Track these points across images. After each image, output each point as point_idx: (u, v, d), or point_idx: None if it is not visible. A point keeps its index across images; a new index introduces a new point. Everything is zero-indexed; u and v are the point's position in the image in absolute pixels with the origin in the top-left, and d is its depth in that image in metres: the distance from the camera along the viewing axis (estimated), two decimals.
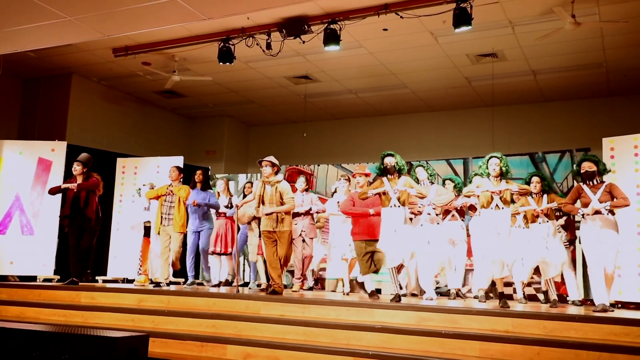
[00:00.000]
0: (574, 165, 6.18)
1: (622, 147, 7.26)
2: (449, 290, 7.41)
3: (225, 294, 6.38)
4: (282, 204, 6.62)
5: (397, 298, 6.00)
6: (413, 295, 7.46)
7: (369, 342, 5.04)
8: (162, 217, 7.65)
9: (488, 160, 6.02)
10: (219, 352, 5.30)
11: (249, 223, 8.02)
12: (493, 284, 6.47)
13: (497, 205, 5.89)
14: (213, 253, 8.19)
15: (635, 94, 10.29)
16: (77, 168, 7.52)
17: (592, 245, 5.77)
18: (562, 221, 7.34)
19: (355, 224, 6.76)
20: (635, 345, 4.45)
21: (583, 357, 4.41)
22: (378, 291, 7.03)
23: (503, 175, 5.97)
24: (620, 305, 7.02)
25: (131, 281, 8.78)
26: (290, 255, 6.86)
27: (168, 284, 7.65)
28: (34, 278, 8.58)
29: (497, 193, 5.86)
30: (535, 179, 6.54)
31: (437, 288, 7.76)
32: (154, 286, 7.55)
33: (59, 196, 8.68)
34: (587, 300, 7.81)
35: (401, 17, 7.35)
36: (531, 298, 7.97)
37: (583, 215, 5.85)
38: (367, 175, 6.88)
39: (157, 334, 5.51)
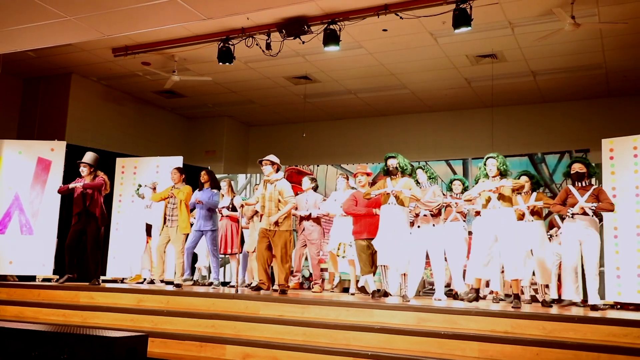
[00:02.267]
0: (566, 167, 6.28)
1: (621, 148, 7.26)
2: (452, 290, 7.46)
3: (225, 294, 6.37)
4: (280, 202, 6.65)
5: (382, 294, 6.13)
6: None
7: (368, 343, 5.04)
8: (165, 218, 7.59)
9: (485, 161, 6.06)
10: (218, 352, 5.30)
11: (250, 218, 8.00)
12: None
13: (494, 205, 5.86)
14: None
15: (634, 95, 10.30)
16: (84, 170, 7.48)
17: (571, 244, 6.00)
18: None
19: (356, 223, 6.82)
20: (634, 346, 4.45)
21: (582, 358, 4.41)
22: (378, 291, 7.10)
23: (502, 174, 5.96)
24: (619, 306, 7.02)
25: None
26: (287, 256, 6.73)
27: (162, 281, 7.67)
28: (33, 278, 8.57)
29: (493, 191, 5.85)
30: (523, 178, 6.58)
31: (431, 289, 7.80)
32: (148, 283, 7.55)
33: (58, 196, 8.69)
34: (585, 301, 7.82)
35: (401, 17, 7.35)
36: (533, 299, 7.98)
37: (572, 215, 6.01)
38: (368, 174, 6.97)
39: (156, 334, 5.51)
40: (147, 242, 8.59)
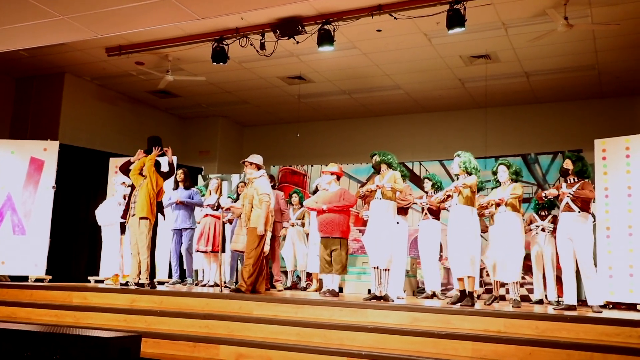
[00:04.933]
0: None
1: (613, 148, 7.30)
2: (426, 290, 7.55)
3: (218, 294, 6.37)
4: (254, 199, 6.65)
5: (373, 297, 6.11)
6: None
7: (362, 343, 5.04)
8: (130, 206, 7.03)
9: (454, 159, 6.19)
10: (211, 352, 5.29)
11: (239, 216, 7.96)
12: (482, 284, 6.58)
13: (453, 203, 6.00)
14: (197, 251, 8.17)
15: (626, 96, 10.36)
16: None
17: (562, 244, 5.93)
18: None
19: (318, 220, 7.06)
20: (626, 346, 4.47)
21: (575, 358, 4.43)
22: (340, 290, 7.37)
23: (468, 173, 6.04)
24: (611, 306, 7.06)
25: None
26: (252, 254, 6.50)
27: (137, 283, 7.00)
28: (25, 278, 8.53)
29: (453, 190, 5.99)
30: (501, 167, 6.36)
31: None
32: (122, 285, 7.26)
33: (50, 196, 8.65)
34: (579, 301, 7.87)
35: (395, 18, 7.37)
36: (524, 299, 8.00)
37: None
38: (332, 173, 7.08)
39: (149, 334, 5.49)
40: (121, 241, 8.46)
